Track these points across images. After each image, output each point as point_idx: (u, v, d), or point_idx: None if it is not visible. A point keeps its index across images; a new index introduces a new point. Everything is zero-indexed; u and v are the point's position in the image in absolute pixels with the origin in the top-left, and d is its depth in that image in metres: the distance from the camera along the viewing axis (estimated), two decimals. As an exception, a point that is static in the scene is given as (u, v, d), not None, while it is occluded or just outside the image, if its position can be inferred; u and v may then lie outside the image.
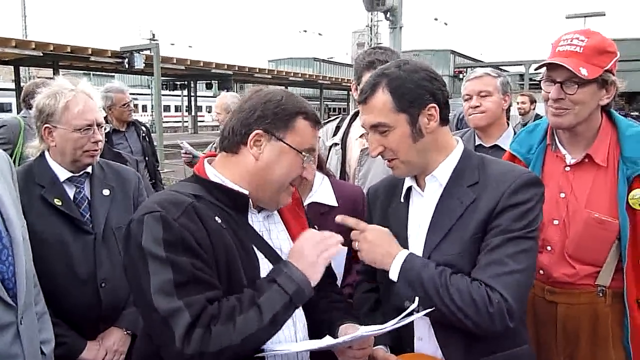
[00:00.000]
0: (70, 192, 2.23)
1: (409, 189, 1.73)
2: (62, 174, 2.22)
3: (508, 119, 3.30)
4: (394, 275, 1.56)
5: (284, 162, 1.54)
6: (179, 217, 1.40)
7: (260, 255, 1.54)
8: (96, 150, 2.24)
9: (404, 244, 1.66)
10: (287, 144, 1.53)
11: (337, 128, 2.84)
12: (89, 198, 2.26)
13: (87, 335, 2.18)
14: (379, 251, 1.60)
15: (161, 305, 1.33)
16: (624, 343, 1.92)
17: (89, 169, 2.29)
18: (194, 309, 1.33)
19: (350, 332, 1.54)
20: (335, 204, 2.23)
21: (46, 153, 2.24)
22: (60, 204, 2.14)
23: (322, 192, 2.26)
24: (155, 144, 5.54)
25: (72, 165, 2.22)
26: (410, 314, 1.50)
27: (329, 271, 1.88)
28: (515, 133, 2.99)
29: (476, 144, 2.98)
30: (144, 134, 5.04)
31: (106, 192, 2.29)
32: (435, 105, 1.60)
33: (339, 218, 1.67)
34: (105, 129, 2.31)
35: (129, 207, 2.33)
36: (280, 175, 1.55)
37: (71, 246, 2.13)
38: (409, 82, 1.58)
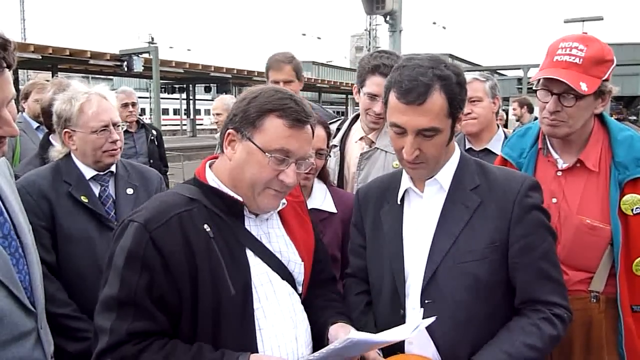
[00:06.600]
0: (96, 190, 2.30)
1: (405, 190, 1.71)
2: (88, 172, 2.29)
3: (506, 124, 3.30)
4: None
5: (252, 162, 1.46)
6: (158, 228, 1.40)
7: (256, 261, 1.52)
8: (115, 150, 2.29)
9: (399, 243, 1.66)
10: (254, 144, 1.45)
11: (337, 130, 2.85)
12: (114, 197, 2.33)
13: None
14: None
15: (97, 317, 1.40)
16: (619, 349, 1.90)
17: (113, 168, 2.36)
18: (113, 338, 1.35)
19: (341, 332, 1.54)
20: (335, 211, 2.23)
21: (72, 153, 2.32)
22: (86, 201, 2.21)
23: (321, 198, 2.25)
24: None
25: (95, 165, 2.30)
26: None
27: (328, 272, 1.85)
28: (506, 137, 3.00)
29: (466, 147, 2.97)
30: (152, 137, 5.11)
31: (130, 191, 2.36)
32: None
33: None
34: (122, 127, 2.39)
35: None
36: (251, 176, 1.47)
37: (97, 242, 2.17)
38: (458, 86, 1.54)
